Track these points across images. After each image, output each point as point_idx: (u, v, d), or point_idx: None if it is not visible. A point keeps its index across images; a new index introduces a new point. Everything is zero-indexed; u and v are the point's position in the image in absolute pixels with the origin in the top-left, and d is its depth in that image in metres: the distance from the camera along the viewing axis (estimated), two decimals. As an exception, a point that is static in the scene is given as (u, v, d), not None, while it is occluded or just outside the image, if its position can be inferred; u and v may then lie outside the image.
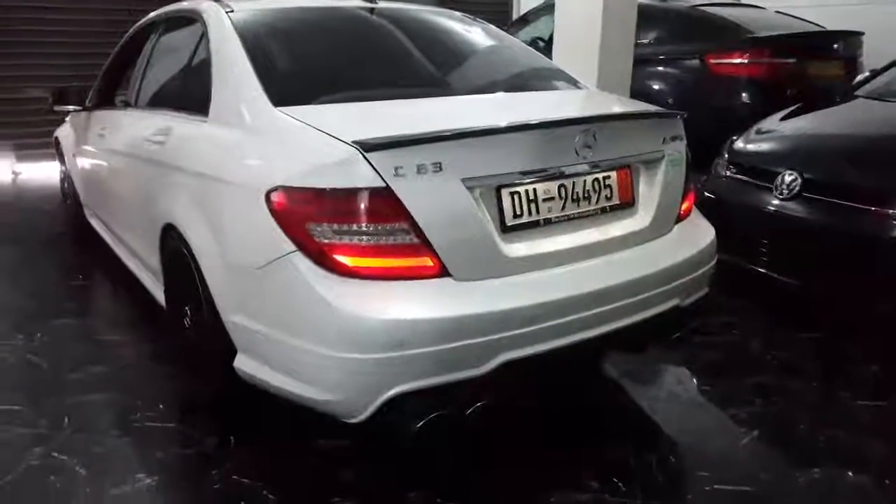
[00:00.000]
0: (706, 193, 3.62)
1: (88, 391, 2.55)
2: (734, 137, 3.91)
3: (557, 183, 2.00)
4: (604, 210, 2.12)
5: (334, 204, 1.75)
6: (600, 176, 2.09)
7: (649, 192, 2.23)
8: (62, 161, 4.82)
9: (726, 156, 3.79)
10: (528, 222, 1.95)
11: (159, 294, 2.74)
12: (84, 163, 4.01)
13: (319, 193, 1.76)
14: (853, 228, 2.94)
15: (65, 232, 4.78)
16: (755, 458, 2.18)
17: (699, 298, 2.34)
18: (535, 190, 1.96)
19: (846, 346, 2.94)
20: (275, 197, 1.81)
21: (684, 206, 2.38)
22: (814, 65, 5.32)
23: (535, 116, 1.99)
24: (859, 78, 4.49)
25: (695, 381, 2.67)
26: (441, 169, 1.76)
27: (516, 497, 1.99)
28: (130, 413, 2.40)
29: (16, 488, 2.00)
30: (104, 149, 3.45)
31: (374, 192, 1.73)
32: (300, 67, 2.39)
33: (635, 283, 2.05)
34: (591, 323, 1.96)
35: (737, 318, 3.21)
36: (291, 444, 2.23)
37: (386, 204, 1.74)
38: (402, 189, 1.73)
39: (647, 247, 2.19)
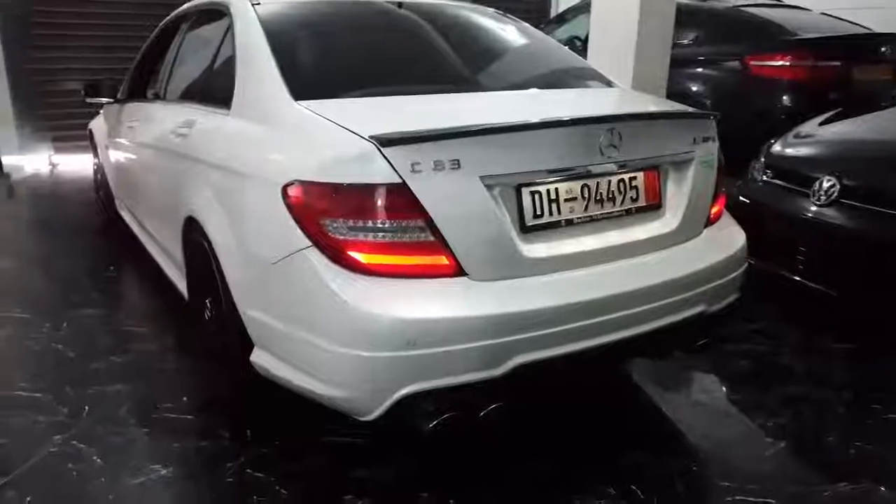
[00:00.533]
0: (741, 198, 3.52)
1: (110, 381, 2.57)
2: (772, 141, 3.80)
3: (580, 183, 1.95)
4: (629, 212, 2.06)
5: (349, 199, 1.73)
6: (626, 177, 2.04)
7: (677, 195, 2.16)
8: (95, 153, 4.90)
9: (763, 160, 3.68)
10: (549, 223, 1.90)
11: (182, 286, 2.76)
12: (115, 155, 4.08)
13: (335, 188, 1.73)
14: (893, 237, 2.83)
15: (96, 223, 4.86)
16: (781, 470, 2.10)
17: (728, 305, 2.26)
18: (556, 189, 1.91)
19: (881, 358, 2.83)
20: (291, 191, 1.80)
21: (714, 210, 2.31)
22: (859, 69, 5.14)
23: (558, 114, 1.93)
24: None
25: (721, 388, 2.59)
26: (459, 166, 1.73)
27: (530, 501, 1.94)
28: (150, 404, 2.41)
29: (34, 475, 2.02)
30: (133, 141, 3.50)
31: (390, 188, 1.70)
32: (323, 62, 2.38)
33: (659, 287, 1.99)
34: (610, 327, 1.90)
35: (768, 325, 3.12)
36: (306, 439, 2.21)
37: (402, 200, 1.71)
38: (418, 186, 1.70)
39: (673, 251, 2.12)
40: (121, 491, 1.96)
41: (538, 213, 1.88)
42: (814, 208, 3.14)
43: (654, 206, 2.12)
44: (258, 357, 2.05)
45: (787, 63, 5.04)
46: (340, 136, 1.80)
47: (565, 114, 1.94)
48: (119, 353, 2.80)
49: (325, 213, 1.74)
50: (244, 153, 2.12)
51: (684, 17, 4.84)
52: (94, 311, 3.26)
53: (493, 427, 2.16)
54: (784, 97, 5.03)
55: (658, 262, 2.05)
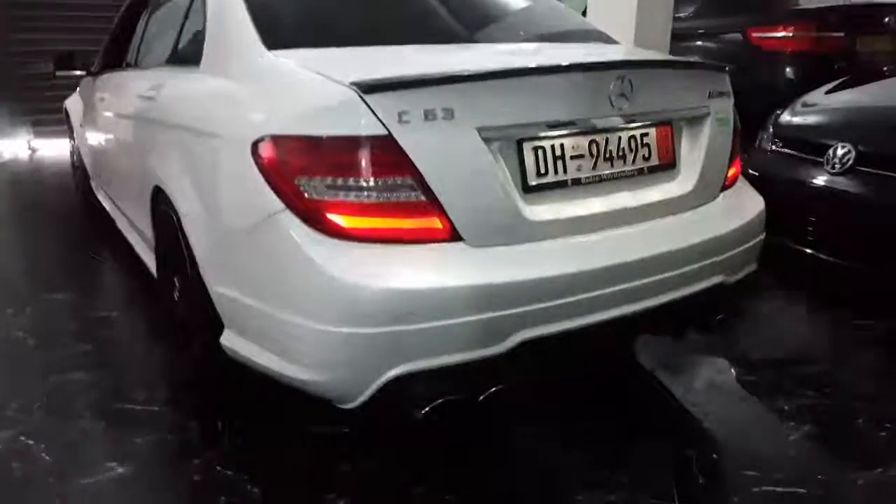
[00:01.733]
0: (749, 170, 3.32)
1: (70, 370, 2.35)
2: (778, 112, 3.62)
3: (588, 138, 1.74)
4: (641, 171, 1.85)
5: (328, 154, 1.51)
6: (637, 133, 1.83)
7: (692, 154, 1.96)
8: (71, 134, 4.66)
9: (771, 130, 3.50)
10: (554, 182, 1.69)
11: (152, 264, 2.53)
12: (88, 130, 3.84)
13: (310, 142, 1.52)
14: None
15: (73, 207, 4.62)
16: (807, 457, 1.91)
17: (747, 275, 2.06)
18: (562, 145, 1.70)
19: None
20: (261, 148, 1.58)
21: (731, 172, 2.10)
22: (863, 39, 4.96)
23: (563, 61, 1.72)
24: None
25: (738, 370, 2.39)
26: (453, 116, 1.51)
27: (538, 495, 1.74)
28: (112, 395, 2.19)
29: (-26, 475, 1.81)
30: (103, 113, 3.27)
31: (374, 141, 1.48)
32: (301, 11, 2.14)
33: (675, 254, 1.78)
34: (624, 299, 1.70)
35: (784, 303, 2.93)
36: (284, 432, 2.00)
37: (387, 155, 1.49)
38: (406, 138, 1.49)
39: (689, 215, 1.92)
40: (70, 492, 1.74)
41: (542, 171, 1.67)
42: (828, 176, 2.95)
43: (668, 165, 1.91)
44: (228, 339, 1.83)
45: (790, 34, 4.85)
46: (317, 85, 1.58)
47: (573, 61, 1.72)
48: (84, 341, 2.57)
49: (301, 171, 1.52)
50: (212, 110, 1.90)
51: (684, -11, 4.66)
52: (62, 296, 3.03)
53: (494, 415, 1.96)
54: (788, 69, 4.84)
55: (673, 227, 1.85)
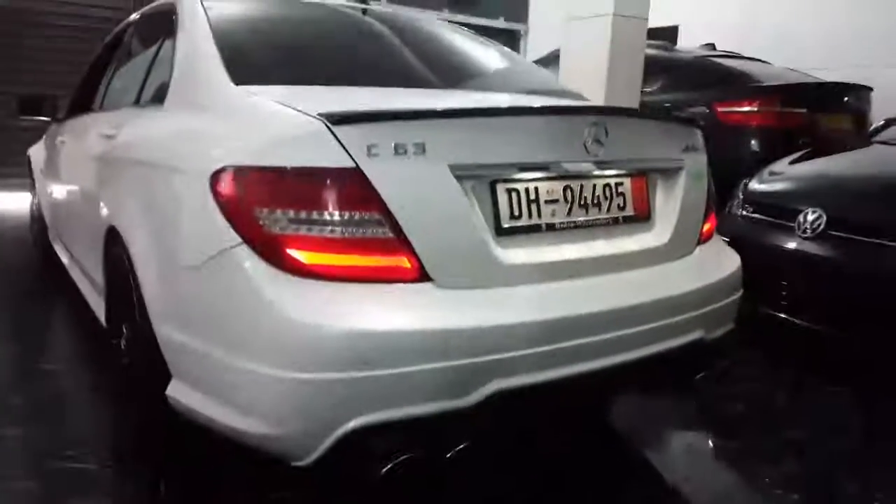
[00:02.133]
0: (721, 236, 3.32)
1: (4, 426, 2.15)
2: (746, 180, 3.66)
3: (563, 183, 1.69)
4: (616, 221, 1.80)
5: (291, 186, 1.42)
6: (612, 182, 1.79)
7: (667, 206, 1.91)
8: (33, 184, 4.49)
9: (741, 196, 3.53)
10: (528, 226, 1.63)
11: (102, 313, 2.38)
12: (47, 177, 3.69)
13: (273, 173, 1.43)
14: (885, 267, 2.64)
15: (29, 261, 4.41)
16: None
17: (725, 334, 1.99)
18: (536, 189, 1.64)
19: (882, 400, 2.58)
20: (221, 179, 1.49)
21: (706, 227, 2.07)
22: (824, 117, 5.10)
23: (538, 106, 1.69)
24: (875, 126, 4.30)
25: (716, 433, 2.30)
26: (424, 151, 1.45)
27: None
28: (46, 452, 2.00)
29: None
30: (63, 157, 3.15)
31: (341, 174, 1.40)
32: (272, 52, 2.09)
33: (654, 305, 1.72)
34: (601, 351, 1.61)
35: (758, 369, 2.86)
36: (236, 495, 1.82)
37: (354, 189, 1.41)
38: (375, 172, 1.41)
39: (665, 267, 1.86)
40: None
41: (516, 213, 1.61)
42: (799, 241, 2.96)
43: (643, 216, 1.87)
44: (175, 390, 1.68)
45: (755, 109, 4.97)
46: (283, 116, 1.51)
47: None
48: (20, 394, 2.38)
49: (261, 203, 1.43)
50: (172, 144, 1.81)
51: (651, 66, 4.79)
52: (3, 349, 2.83)
53: (462, 472, 1.82)
54: (753, 142, 4.94)
55: (650, 278, 1.79)
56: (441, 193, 1.47)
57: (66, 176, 3.10)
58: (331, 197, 1.41)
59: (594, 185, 1.74)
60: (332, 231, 1.42)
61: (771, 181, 3.53)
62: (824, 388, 2.68)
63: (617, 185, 1.80)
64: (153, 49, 2.45)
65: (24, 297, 3.66)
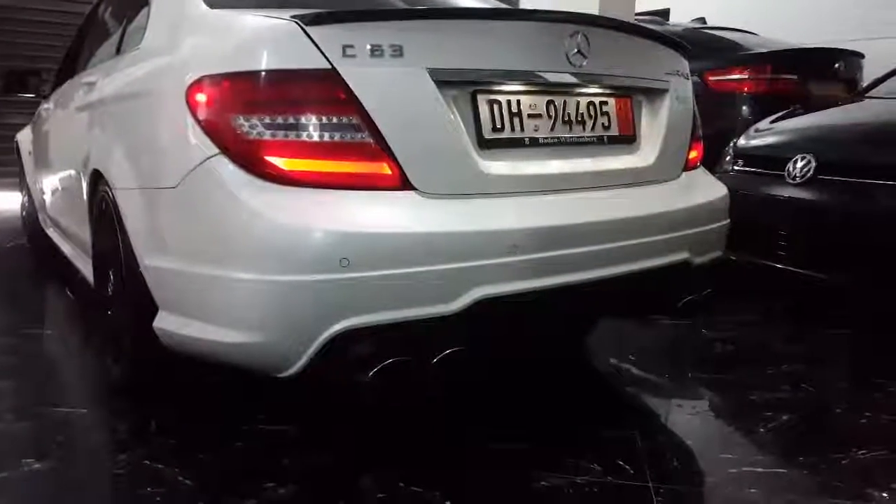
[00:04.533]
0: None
1: (-8, 378, 2.14)
2: (735, 139, 3.67)
3: (545, 98, 1.67)
4: (600, 140, 1.79)
5: (265, 91, 1.41)
6: (596, 101, 1.77)
7: (652, 129, 1.90)
8: (22, 170, 4.46)
9: (731, 153, 3.53)
10: (511, 139, 1.62)
11: (90, 272, 2.36)
12: (36, 157, 3.67)
13: (247, 79, 1.42)
14: (876, 205, 2.62)
15: (21, 243, 4.39)
16: (788, 442, 1.79)
17: (713, 260, 1.98)
18: (518, 102, 1.63)
19: (883, 338, 2.58)
20: (194, 90, 1.48)
21: (693, 155, 2.06)
22: (815, 84, 5.09)
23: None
24: (866, 84, 4.30)
25: (712, 366, 2.29)
26: (402, 54, 1.44)
27: (498, 481, 1.57)
28: (35, 400, 1.99)
29: None
30: (48, 126, 3.12)
31: (316, 75, 1.39)
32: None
33: (639, 221, 1.71)
34: (587, 263, 1.60)
35: (752, 316, 2.85)
36: (222, 430, 1.81)
37: (330, 91, 1.40)
38: (351, 73, 1.40)
39: (650, 187, 1.85)
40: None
41: (498, 126, 1.59)
42: (790, 188, 2.95)
43: (628, 137, 1.85)
44: (161, 321, 1.67)
45: (746, 76, 4.97)
46: (255, 22, 1.50)
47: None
48: (9, 354, 2.36)
49: (236, 109, 1.42)
50: (148, 73, 1.80)
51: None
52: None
53: (448, 386, 1.80)
54: (745, 108, 4.93)
55: (635, 195, 1.78)
56: (420, 99, 1.46)
57: (53, 140, 3.08)
58: (306, 100, 1.40)
59: (578, 103, 1.73)
60: (308, 136, 1.41)
61: (759, 136, 3.54)
62: (824, 333, 2.66)
63: (601, 103, 1.78)
64: (132, 4, 2.44)
65: (10, 276, 3.65)
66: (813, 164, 2.89)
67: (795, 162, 2.96)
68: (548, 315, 1.67)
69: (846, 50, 5.35)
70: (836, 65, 5.31)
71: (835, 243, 2.75)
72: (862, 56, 5.49)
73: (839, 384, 2.18)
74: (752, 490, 1.54)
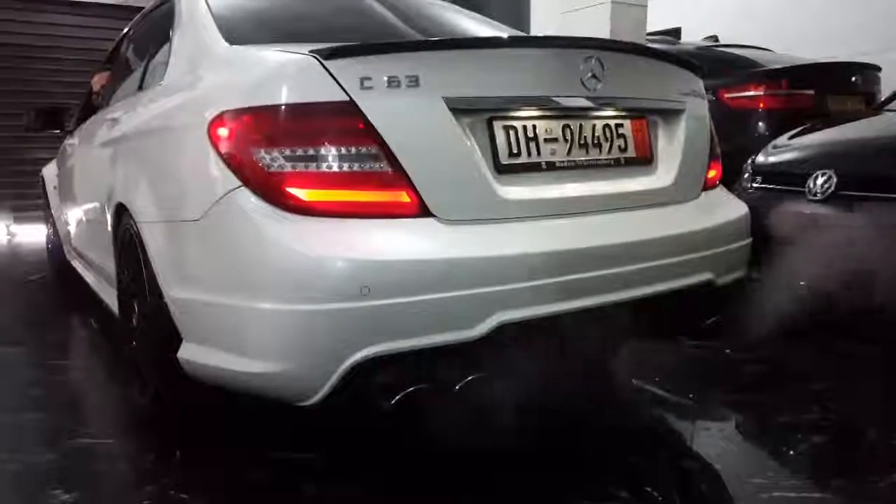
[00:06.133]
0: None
1: (20, 412, 2.16)
2: (753, 156, 3.66)
3: (561, 122, 1.68)
4: (617, 162, 1.79)
5: (285, 124, 1.44)
6: (612, 123, 1.78)
7: (669, 150, 1.90)
8: (47, 203, 4.55)
9: (750, 171, 3.51)
10: (528, 163, 1.62)
11: (113, 302, 2.39)
12: (61, 190, 3.75)
13: (268, 112, 1.45)
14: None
15: (46, 284, 4.43)
16: (820, 464, 1.75)
17: (737, 280, 1.97)
18: (534, 127, 1.64)
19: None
20: (217, 126, 1.51)
21: (711, 174, 2.05)
22: (833, 98, 5.06)
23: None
24: (884, 97, 4.27)
25: (736, 387, 2.26)
26: (418, 84, 1.46)
27: (523, 509, 1.56)
28: (64, 431, 2.01)
29: None
30: (73, 160, 3.19)
31: (335, 108, 1.42)
32: (266, 17, 2.12)
33: (659, 243, 1.70)
34: (608, 286, 1.59)
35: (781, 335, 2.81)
36: (246, 458, 1.81)
37: (349, 122, 1.42)
38: (369, 105, 1.43)
39: (670, 208, 1.85)
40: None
41: (514, 151, 1.60)
42: (810, 204, 2.92)
43: (645, 159, 1.86)
44: (185, 351, 1.69)
45: (762, 92, 4.95)
46: (274, 57, 1.54)
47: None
48: (41, 387, 2.39)
49: (258, 143, 1.44)
50: (171, 108, 1.84)
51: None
52: (18, 349, 2.85)
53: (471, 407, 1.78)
54: (761, 125, 4.90)
55: (655, 217, 1.78)
56: (437, 127, 1.48)
57: (77, 174, 3.14)
58: (326, 132, 1.42)
59: (594, 126, 1.74)
60: (329, 167, 1.43)
61: (777, 152, 3.52)
62: (852, 349, 2.62)
63: (617, 126, 1.79)
64: (153, 40, 2.50)
65: (38, 310, 3.70)
66: (834, 180, 2.86)
67: (816, 178, 2.94)
68: (571, 338, 1.66)
69: (862, 63, 5.31)
70: (853, 78, 5.28)
71: (858, 260, 2.71)
72: (879, 69, 5.45)
73: (870, 403, 2.13)
74: (784, 515, 1.51)
